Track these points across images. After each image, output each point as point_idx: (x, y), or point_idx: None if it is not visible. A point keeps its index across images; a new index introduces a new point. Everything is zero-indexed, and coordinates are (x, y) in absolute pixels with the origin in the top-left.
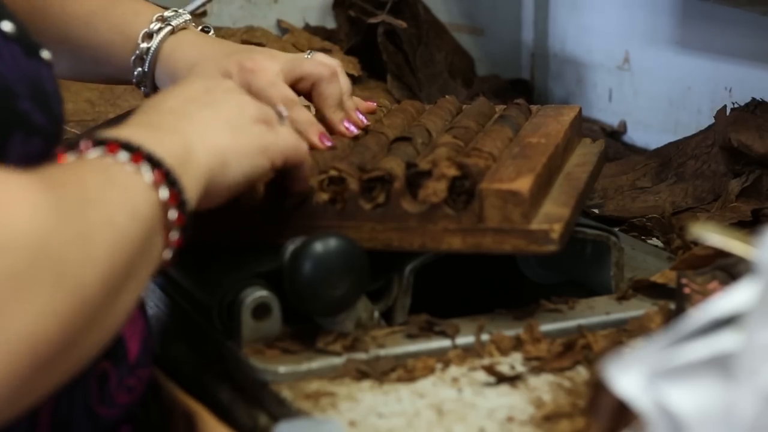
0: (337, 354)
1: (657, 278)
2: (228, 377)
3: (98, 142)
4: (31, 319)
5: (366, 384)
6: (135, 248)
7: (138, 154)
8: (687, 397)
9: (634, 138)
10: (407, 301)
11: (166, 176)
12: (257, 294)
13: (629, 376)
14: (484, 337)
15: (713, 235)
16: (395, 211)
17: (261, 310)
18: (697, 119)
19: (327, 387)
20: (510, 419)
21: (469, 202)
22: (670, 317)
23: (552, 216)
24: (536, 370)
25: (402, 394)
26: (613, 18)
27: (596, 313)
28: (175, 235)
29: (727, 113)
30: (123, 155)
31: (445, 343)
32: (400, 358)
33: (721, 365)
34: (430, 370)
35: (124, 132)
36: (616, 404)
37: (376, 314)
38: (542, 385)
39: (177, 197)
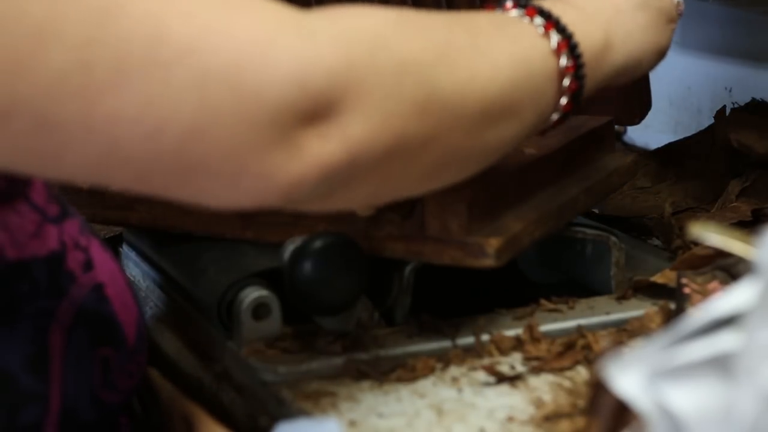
0: (337, 354)
1: (657, 278)
2: (228, 377)
3: (522, 5)
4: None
5: (366, 384)
6: (516, 90)
7: (550, 22)
8: (687, 397)
9: (634, 138)
10: (407, 301)
11: (572, 54)
12: (257, 294)
13: (629, 376)
14: (484, 337)
15: (713, 235)
16: (346, 213)
17: (261, 310)
18: (697, 119)
19: (327, 387)
20: (510, 419)
21: (414, 210)
22: (670, 317)
23: (500, 229)
24: (536, 370)
25: (402, 394)
26: None
27: (596, 313)
28: (564, 101)
29: (727, 113)
30: (538, 20)
31: (445, 343)
32: (400, 358)
33: (721, 365)
34: (430, 370)
35: (556, 7)
36: (616, 404)
37: (376, 314)
38: (542, 385)
39: (575, 69)
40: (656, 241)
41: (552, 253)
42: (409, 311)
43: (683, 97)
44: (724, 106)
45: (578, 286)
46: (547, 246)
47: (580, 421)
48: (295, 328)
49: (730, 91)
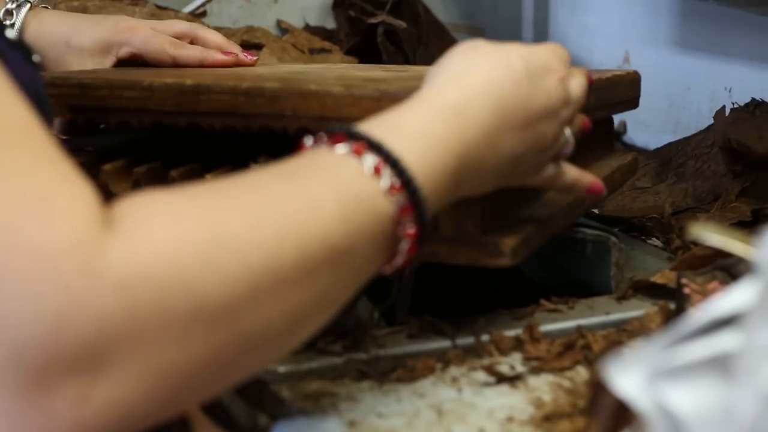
0: (337, 354)
1: (657, 278)
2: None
3: (350, 135)
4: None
5: (366, 384)
6: (338, 261)
7: (383, 159)
8: (687, 397)
9: (634, 138)
10: (407, 301)
11: (411, 205)
12: None
13: (629, 376)
14: (484, 337)
15: (713, 235)
16: None
17: None
18: (696, 119)
19: (327, 387)
20: (510, 419)
21: None
22: (670, 317)
23: (514, 228)
24: (536, 370)
25: (402, 394)
26: (613, 18)
27: (596, 313)
28: (405, 246)
29: (727, 113)
30: (369, 160)
31: (445, 343)
32: (400, 358)
33: (721, 365)
34: (430, 370)
35: (392, 136)
36: (615, 404)
37: (376, 314)
38: (542, 385)
39: (414, 210)
40: (656, 241)
41: (552, 254)
42: (409, 311)
43: (683, 97)
44: (724, 107)
45: (578, 287)
46: (547, 246)
47: (580, 422)
48: None
49: (729, 91)
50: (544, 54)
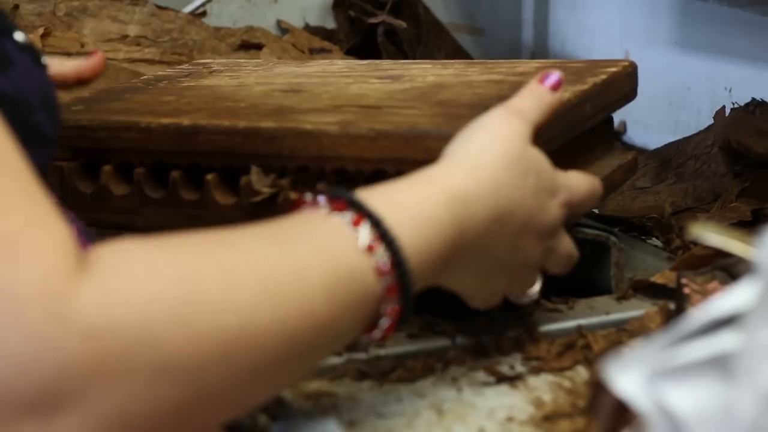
0: (337, 354)
1: (657, 278)
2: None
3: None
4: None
5: (366, 384)
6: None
7: (377, 235)
8: (686, 397)
9: (633, 138)
10: None
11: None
12: None
13: (629, 376)
14: (484, 337)
15: (713, 235)
16: None
17: None
18: (696, 119)
19: (327, 387)
20: (510, 419)
21: None
22: (670, 317)
23: None
24: (536, 370)
25: (402, 394)
26: (613, 18)
27: (596, 313)
28: (386, 324)
29: (727, 113)
30: (364, 235)
31: (445, 343)
32: (400, 358)
33: (720, 365)
34: (430, 370)
35: (391, 212)
36: (615, 404)
37: None
38: (542, 385)
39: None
40: (656, 241)
41: None
42: None
43: (683, 97)
44: (724, 107)
45: (578, 286)
46: None
47: (580, 422)
48: None
49: (729, 91)
50: (556, 177)
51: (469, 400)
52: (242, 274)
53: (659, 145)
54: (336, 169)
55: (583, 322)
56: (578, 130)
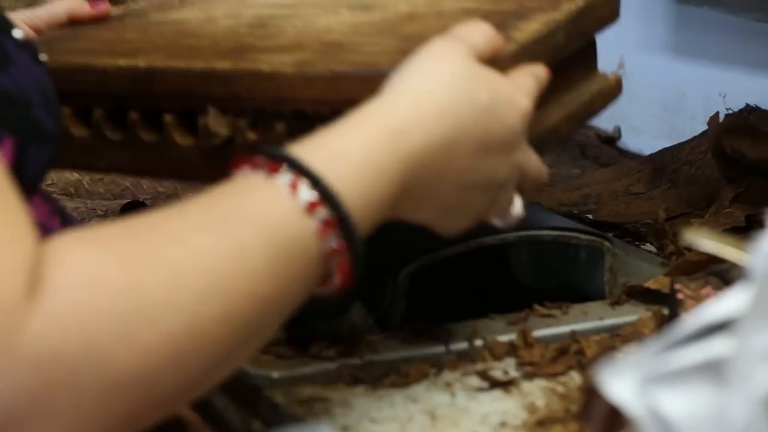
0: (331, 359)
1: (650, 284)
2: (221, 383)
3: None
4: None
5: (359, 389)
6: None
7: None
8: (679, 403)
9: (628, 144)
10: (401, 307)
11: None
12: None
13: (622, 382)
14: (478, 342)
15: (706, 241)
16: None
17: None
18: (691, 125)
19: (321, 392)
20: (503, 424)
21: None
22: (664, 323)
23: None
24: (529, 375)
25: (395, 399)
26: None
27: (590, 318)
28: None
29: (721, 119)
30: (305, 194)
31: (439, 348)
32: (393, 363)
33: (713, 371)
34: (424, 375)
35: (332, 162)
36: (608, 409)
37: (370, 319)
38: (535, 390)
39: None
40: (650, 247)
41: (546, 259)
42: (403, 316)
43: (677, 103)
44: (718, 112)
45: (572, 292)
46: (541, 251)
47: (573, 427)
48: (289, 333)
49: (724, 97)
50: (512, 89)
51: (462, 405)
52: (185, 273)
53: (654, 151)
54: (294, 110)
55: (576, 327)
56: (552, 59)
